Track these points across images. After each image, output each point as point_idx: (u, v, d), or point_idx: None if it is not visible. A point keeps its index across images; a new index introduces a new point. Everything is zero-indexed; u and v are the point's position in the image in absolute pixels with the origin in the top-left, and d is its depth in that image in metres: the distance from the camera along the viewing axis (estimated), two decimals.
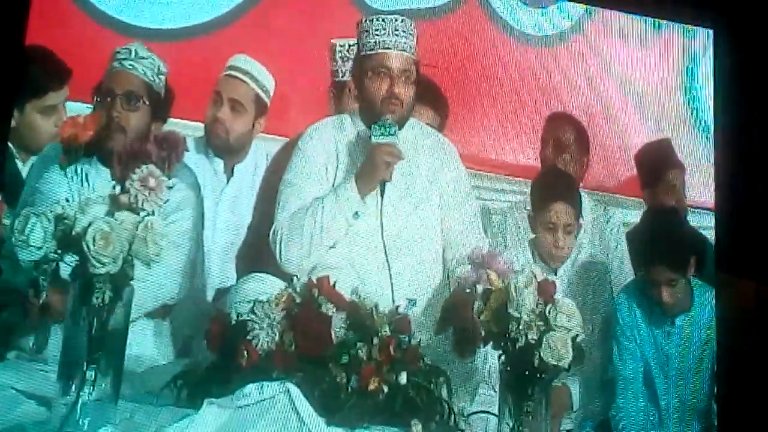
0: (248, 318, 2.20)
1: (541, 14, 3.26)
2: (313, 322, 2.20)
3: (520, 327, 2.15)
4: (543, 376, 2.17)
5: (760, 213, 3.16)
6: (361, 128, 2.73)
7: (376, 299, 2.31)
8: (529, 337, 2.15)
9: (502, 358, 2.21)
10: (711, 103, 3.23)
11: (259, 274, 2.58)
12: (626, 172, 3.22)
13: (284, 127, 2.96)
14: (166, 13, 3.00)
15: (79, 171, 2.53)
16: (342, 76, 2.99)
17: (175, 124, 2.67)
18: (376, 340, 2.20)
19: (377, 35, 2.67)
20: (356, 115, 2.77)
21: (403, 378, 2.19)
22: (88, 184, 2.49)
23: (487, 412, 2.41)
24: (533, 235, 2.89)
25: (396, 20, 2.68)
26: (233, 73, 2.87)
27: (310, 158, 2.71)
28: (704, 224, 3.12)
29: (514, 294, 2.16)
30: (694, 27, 3.28)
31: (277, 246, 2.61)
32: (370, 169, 2.60)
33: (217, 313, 2.37)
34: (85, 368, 2.00)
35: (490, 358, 2.48)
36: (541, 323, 2.16)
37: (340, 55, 2.99)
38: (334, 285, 2.28)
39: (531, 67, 3.22)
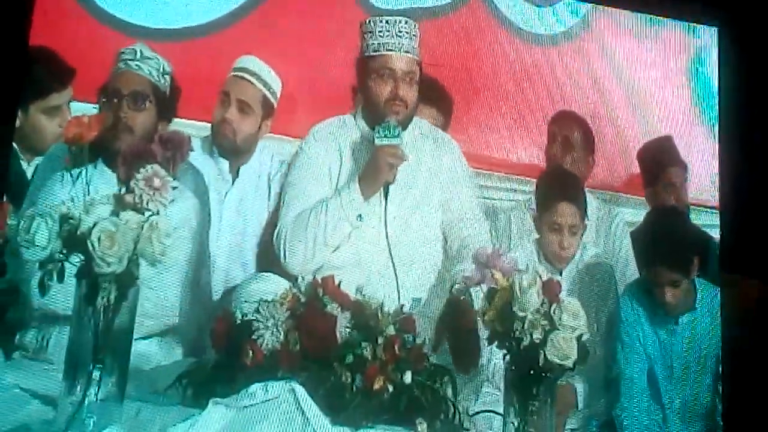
0: (253, 318, 2.21)
1: (546, 12, 3.25)
2: (318, 322, 2.20)
3: (525, 326, 2.15)
4: (548, 375, 2.17)
5: (766, 212, 3.15)
6: (365, 129, 2.73)
7: (381, 299, 2.31)
8: (534, 336, 2.14)
9: (507, 357, 2.21)
10: (716, 100, 3.23)
11: (265, 274, 2.59)
12: (630, 171, 3.21)
13: (289, 128, 2.95)
14: (169, 13, 3.00)
15: (83, 175, 2.53)
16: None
17: (179, 124, 2.67)
18: (380, 340, 2.20)
19: (381, 37, 2.67)
20: (359, 116, 2.77)
21: (407, 377, 2.20)
22: (95, 189, 2.48)
23: (492, 412, 2.41)
24: (538, 235, 2.88)
25: (400, 22, 2.68)
26: (242, 74, 2.87)
27: (313, 159, 2.72)
28: (709, 223, 3.11)
29: (518, 293, 2.16)
30: (699, 24, 3.27)
31: (281, 247, 2.62)
32: (373, 171, 2.60)
33: (222, 313, 2.37)
34: (90, 368, 2.00)
35: (494, 358, 2.49)
36: (545, 322, 2.16)
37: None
38: (338, 284, 2.28)
39: (535, 65, 3.21)
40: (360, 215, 2.62)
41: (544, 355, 2.14)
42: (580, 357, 2.16)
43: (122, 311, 2.04)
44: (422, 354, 2.27)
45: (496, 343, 2.24)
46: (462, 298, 2.42)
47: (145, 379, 2.31)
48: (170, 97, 2.64)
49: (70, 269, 2.02)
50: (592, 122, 3.15)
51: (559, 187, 2.90)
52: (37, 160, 2.68)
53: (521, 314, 2.15)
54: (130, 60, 2.59)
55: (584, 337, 2.19)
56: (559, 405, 2.32)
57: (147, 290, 2.27)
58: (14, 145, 2.66)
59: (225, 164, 2.88)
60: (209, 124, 2.90)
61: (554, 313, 2.15)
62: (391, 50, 2.67)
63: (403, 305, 2.39)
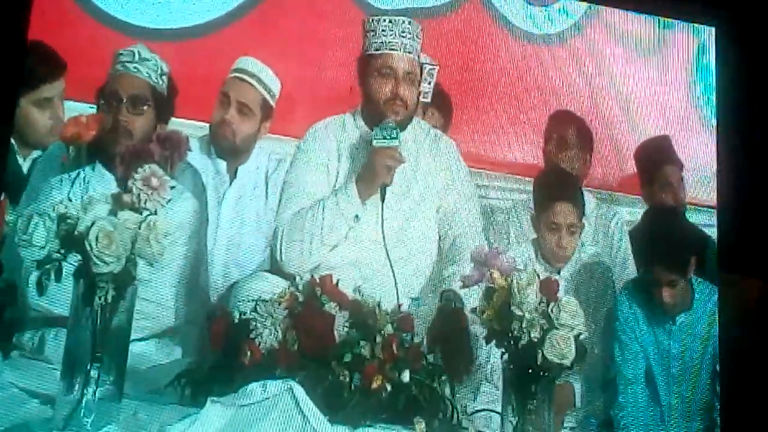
0: (251, 317, 2.21)
1: (544, 12, 3.25)
2: (316, 321, 2.21)
3: (523, 325, 2.16)
4: (546, 374, 2.17)
5: (763, 211, 3.15)
6: (363, 128, 2.73)
7: (379, 298, 2.31)
8: (532, 335, 2.15)
9: (505, 356, 2.22)
10: (714, 99, 3.23)
11: (262, 273, 2.59)
12: (628, 170, 3.21)
13: (287, 128, 2.95)
14: (168, 12, 3.00)
15: (81, 176, 2.53)
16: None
17: (178, 124, 2.67)
18: (378, 339, 2.21)
19: (384, 36, 2.67)
20: (358, 115, 2.77)
21: (405, 376, 2.20)
22: (93, 191, 2.48)
23: (491, 410, 2.41)
24: (536, 235, 2.88)
25: (403, 22, 2.69)
26: (242, 76, 2.86)
27: (312, 158, 2.72)
28: (707, 222, 3.11)
29: (517, 292, 2.16)
30: (697, 24, 3.27)
31: (278, 246, 2.62)
32: (371, 173, 2.60)
33: (220, 312, 2.37)
34: (88, 367, 2.00)
35: (492, 357, 2.49)
36: (544, 321, 2.16)
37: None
38: (336, 283, 2.28)
39: (534, 65, 3.21)
40: (357, 216, 2.62)
41: (543, 354, 2.14)
42: (578, 356, 2.17)
43: (120, 311, 2.04)
44: (420, 353, 2.27)
45: (494, 342, 2.24)
46: (453, 306, 2.42)
47: (143, 378, 2.30)
48: (168, 98, 2.64)
49: (68, 269, 2.02)
50: (589, 121, 3.15)
51: (556, 186, 2.90)
52: (34, 154, 2.66)
53: (519, 313, 2.15)
54: (128, 62, 2.58)
55: (582, 336, 2.19)
56: (557, 404, 2.33)
57: (145, 290, 2.27)
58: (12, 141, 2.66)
59: (223, 164, 2.88)
60: (207, 125, 2.90)
61: (552, 312, 2.16)
62: (393, 49, 2.67)
63: (401, 304, 2.39)
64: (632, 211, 3.13)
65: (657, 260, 2.71)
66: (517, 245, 2.92)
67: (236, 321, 2.26)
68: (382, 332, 2.22)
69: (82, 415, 1.99)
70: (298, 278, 2.38)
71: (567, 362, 2.15)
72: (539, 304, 2.18)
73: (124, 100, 2.55)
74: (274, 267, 2.66)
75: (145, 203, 2.06)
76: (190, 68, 2.87)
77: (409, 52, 2.68)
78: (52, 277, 2.00)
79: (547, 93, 3.20)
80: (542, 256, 2.85)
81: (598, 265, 2.91)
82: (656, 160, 3.14)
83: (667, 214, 2.97)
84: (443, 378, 2.27)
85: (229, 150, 2.86)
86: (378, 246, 2.63)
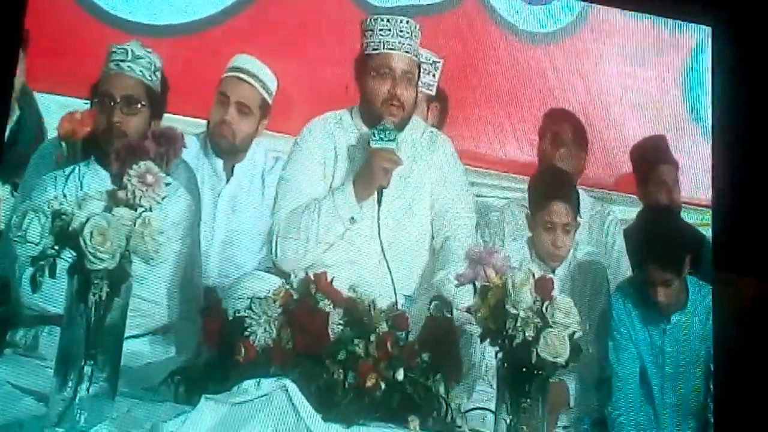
0: (246, 314, 2.21)
1: (540, 10, 3.25)
2: (311, 319, 2.21)
3: (518, 324, 2.15)
4: (540, 372, 2.17)
5: (758, 210, 3.16)
6: (361, 127, 2.72)
7: (373, 296, 2.31)
8: (527, 333, 2.15)
9: (500, 354, 2.21)
10: (709, 99, 3.23)
11: (257, 272, 2.59)
12: (623, 169, 3.21)
13: (284, 125, 2.95)
14: (165, 9, 2.99)
15: (76, 172, 2.53)
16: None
17: (174, 120, 2.66)
18: (373, 337, 2.21)
19: (381, 35, 2.66)
20: (356, 112, 2.77)
21: (400, 374, 2.20)
22: (87, 187, 2.47)
23: (485, 409, 2.41)
24: (531, 234, 2.89)
25: (401, 22, 2.68)
26: (240, 75, 2.85)
27: (308, 155, 2.72)
28: (701, 221, 3.11)
29: (511, 291, 2.16)
30: (693, 24, 3.28)
31: (273, 244, 2.61)
32: (368, 175, 2.60)
33: (214, 310, 2.37)
34: (82, 364, 2.00)
35: (487, 355, 2.49)
36: (538, 320, 2.16)
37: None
38: (331, 281, 2.28)
39: (530, 63, 3.21)
40: (353, 217, 2.62)
41: (537, 352, 2.14)
42: (573, 355, 2.17)
43: (114, 307, 2.04)
44: (415, 351, 2.27)
45: (488, 340, 2.24)
46: (441, 315, 2.42)
47: (137, 375, 2.30)
48: (161, 94, 2.63)
49: (62, 265, 2.02)
50: (585, 120, 3.15)
51: (552, 185, 2.90)
52: None
53: (514, 312, 2.15)
54: (121, 61, 2.57)
55: (576, 335, 2.19)
56: (551, 402, 2.32)
57: (139, 287, 2.27)
58: None
59: (219, 162, 2.87)
60: (203, 121, 2.89)
61: (547, 310, 2.16)
62: (391, 49, 2.67)
63: (395, 302, 2.39)
64: (627, 210, 3.14)
65: (652, 259, 2.71)
66: (512, 244, 2.92)
67: (231, 318, 2.26)
68: (377, 330, 2.22)
69: (75, 412, 1.99)
70: (292, 276, 2.38)
71: (561, 361, 2.15)
72: (534, 302, 2.17)
73: (118, 101, 2.54)
74: (270, 265, 2.65)
75: (140, 200, 2.06)
76: (187, 64, 2.87)
77: (407, 52, 2.68)
78: (46, 273, 2.00)
79: (543, 91, 3.20)
80: (537, 255, 2.85)
81: (592, 264, 2.91)
82: (652, 160, 3.14)
83: (662, 214, 2.97)
84: (437, 376, 2.27)
85: (228, 150, 2.85)
86: (374, 246, 2.63)
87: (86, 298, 2.00)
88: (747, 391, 2.90)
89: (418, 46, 2.73)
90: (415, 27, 2.71)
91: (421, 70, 2.79)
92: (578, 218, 2.87)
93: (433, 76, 2.96)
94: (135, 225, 2.03)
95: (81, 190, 2.42)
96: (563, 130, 3.11)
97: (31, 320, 2.38)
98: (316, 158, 2.72)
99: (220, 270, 2.78)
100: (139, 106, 2.56)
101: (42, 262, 1.99)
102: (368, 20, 2.72)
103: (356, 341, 2.19)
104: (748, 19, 3.19)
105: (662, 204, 3.07)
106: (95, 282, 2.00)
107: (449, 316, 2.43)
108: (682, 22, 3.28)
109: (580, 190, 2.97)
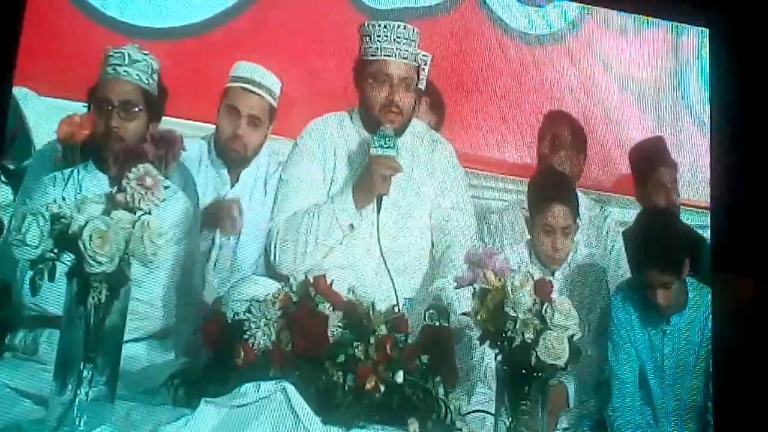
0: (245, 317, 2.21)
1: (538, 12, 3.26)
2: (310, 321, 2.20)
3: (517, 326, 2.16)
4: (540, 374, 2.18)
5: (757, 211, 3.16)
6: (362, 132, 2.73)
7: (372, 299, 2.30)
8: (526, 336, 2.15)
9: (499, 356, 2.22)
10: (707, 100, 3.24)
11: (256, 277, 2.59)
12: (622, 171, 3.22)
13: (287, 128, 2.94)
14: (163, 11, 2.99)
15: (75, 175, 2.52)
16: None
17: (173, 123, 2.67)
18: (372, 339, 2.20)
19: (379, 41, 2.66)
20: (356, 114, 2.76)
21: (399, 377, 2.20)
22: (86, 190, 2.47)
23: (484, 411, 2.41)
24: (530, 236, 2.88)
25: (398, 27, 2.67)
26: (247, 86, 2.83)
27: (308, 158, 2.72)
28: (700, 223, 3.12)
29: (511, 293, 2.17)
30: (690, 25, 3.28)
31: (272, 247, 2.61)
32: (367, 183, 2.59)
33: (213, 313, 2.37)
34: (81, 367, 1.99)
35: (486, 357, 2.49)
36: (537, 322, 2.16)
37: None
38: (330, 284, 2.28)
39: (527, 65, 3.22)
40: (352, 225, 2.62)
41: (536, 354, 2.14)
42: (572, 357, 2.17)
43: (113, 311, 2.04)
44: (414, 354, 2.26)
45: (488, 342, 2.24)
46: (437, 324, 2.42)
47: (137, 378, 2.30)
48: (159, 97, 2.62)
49: (62, 268, 2.02)
50: (583, 121, 3.16)
51: (551, 188, 2.89)
52: None
53: (513, 314, 2.16)
54: (118, 65, 2.55)
55: (576, 337, 2.19)
56: (551, 404, 2.33)
57: (138, 290, 2.27)
58: None
59: (224, 168, 2.87)
60: (204, 124, 2.89)
61: (546, 312, 2.16)
62: (388, 56, 2.66)
63: (395, 305, 2.39)
64: (626, 212, 3.14)
65: (651, 262, 2.71)
66: (511, 246, 2.92)
67: (230, 321, 2.26)
68: (376, 333, 2.22)
69: (74, 415, 1.99)
70: (291, 278, 2.38)
71: (560, 363, 2.16)
72: (533, 304, 2.18)
73: (116, 105, 2.53)
74: (269, 269, 2.65)
75: (139, 203, 2.06)
76: (186, 67, 2.86)
77: (405, 58, 2.67)
78: (46, 276, 1.99)
79: (541, 93, 3.20)
80: (537, 257, 2.85)
81: (591, 266, 2.91)
82: (650, 161, 3.14)
83: (661, 216, 2.97)
84: (437, 379, 2.26)
85: (240, 161, 2.85)
86: (374, 252, 2.63)
87: (85, 302, 2.00)
88: (746, 392, 2.90)
89: (416, 49, 2.72)
90: (413, 31, 2.70)
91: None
92: (577, 221, 2.87)
93: (422, 70, 2.95)
94: (134, 228, 2.03)
95: (80, 193, 2.42)
96: (562, 133, 3.12)
97: (31, 323, 2.38)
98: (316, 161, 2.72)
99: (221, 273, 2.77)
100: (136, 110, 2.54)
101: (41, 266, 1.99)
102: (366, 25, 2.71)
103: (355, 344, 2.19)
104: (746, 20, 3.20)
105: (661, 206, 3.07)
106: (94, 285, 2.00)
107: (446, 325, 2.43)
108: (679, 24, 3.28)
109: (578, 192, 2.97)
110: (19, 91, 2.74)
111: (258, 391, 2.11)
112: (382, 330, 2.23)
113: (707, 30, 3.26)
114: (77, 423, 1.99)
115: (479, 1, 3.22)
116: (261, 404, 2.11)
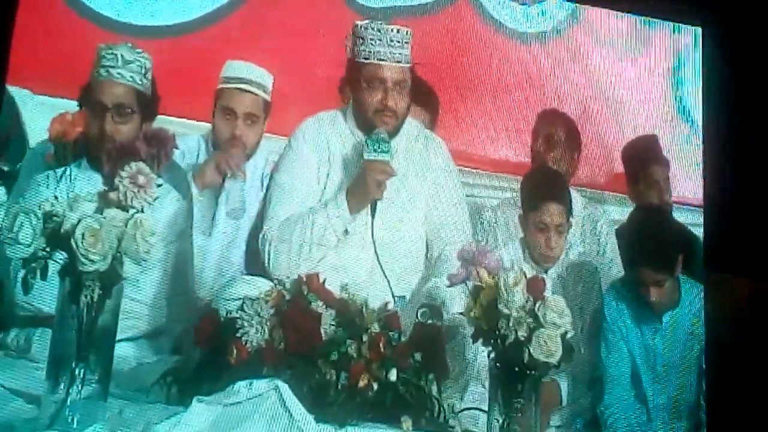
0: (238, 315, 2.20)
1: (531, 11, 3.26)
2: (303, 319, 2.20)
3: (510, 324, 2.16)
4: (532, 372, 2.18)
5: (749, 209, 3.17)
6: (354, 129, 2.71)
7: (365, 297, 2.30)
8: (519, 333, 2.15)
9: (492, 354, 2.22)
10: (700, 99, 3.24)
11: (246, 277, 2.58)
12: (615, 169, 3.22)
13: (281, 126, 2.94)
14: (156, 9, 2.99)
15: (67, 174, 2.51)
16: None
17: (166, 122, 2.65)
18: (365, 337, 2.20)
19: (372, 45, 2.62)
20: (350, 113, 2.75)
21: (392, 375, 2.20)
22: (79, 189, 2.46)
23: (477, 409, 2.41)
24: (523, 234, 2.89)
25: (392, 31, 2.63)
26: (241, 86, 2.82)
27: (301, 158, 2.70)
28: (693, 221, 3.12)
29: (504, 291, 2.17)
30: (683, 24, 3.29)
31: (266, 252, 2.60)
32: (362, 188, 2.58)
33: (206, 311, 2.36)
34: (74, 366, 1.99)
35: (479, 355, 2.49)
36: (530, 320, 2.16)
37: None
38: (323, 282, 2.28)
39: (521, 64, 3.22)
40: (346, 230, 2.61)
41: (529, 352, 2.14)
42: (565, 354, 2.17)
43: (106, 309, 2.03)
44: (407, 351, 2.26)
45: (481, 340, 2.24)
46: (428, 322, 2.42)
47: (129, 377, 2.30)
48: (152, 96, 2.61)
49: (54, 267, 2.01)
50: (576, 120, 3.16)
51: (545, 186, 2.90)
52: None
53: (506, 312, 2.16)
54: (111, 68, 2.51)
55: (569, 335, 2.19)
56: (544, 402, 2.33)
57: (131, 289, 2.27)
58: None
59: None
60: (198, 123, 2.88)
61: (539, 310, 2.16)
62: (382, 60, 2.63)
63: (387, 303, 2.39)
64: (619, 210, 3.14)
65: (644, 260, 2.72)
66: (505, 244, 2.92)
67: (223, 320, 2.26)
68: (369, 331, 2.22)
69: (67, 414, 1.98)
70: (285, 277, 2.37)
71: (554, 361, 2.16)
72: (526, 302, 2.18)
73: (109, 107, 2.51)
74: (260, 269, 2.65)
75: (131, 201, 2.05)
76: (179, 65, 2.86)
77: (398, 61, 2.65)
78: (38, 275, 1.99)
79: (535, 91, 3.21)
80: (530, 255, 2.85)
81: (585, 264, 2.92)
82: (643, 159, 3.15)
83: (654, 214, 2.97)
84: (430, 377, 2.27)
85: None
86: (368, 255, 2.62)
87: (78, 300, 1.99)
88: (739, 391, 2.90)
89: (410, 51, 2.69)
90: (407, 33, 2.65)
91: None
92: (571, 219, 2.87)
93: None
94: (126, 226, 2.02)
95: (72, 191, 2.41)
96: (556, 132, 3.12)
97: (24, 321, 2.37)
98: (309, 162, 2.70)
99: (217, 272, 2.77)
100: (129, 112, 2.53)
101: (33, 264, 1.98)
102: (359, 27, 2.67)
103: (348, 342, 2.19)
104: (738, 19, 3.20)
105: (654, 204, 3.08)
106: (87, 284, 1.99)
107: (438, 324, 2.42)
108: (672, 23, 3.29)
109: (572, 191, 2.98)
110: (13, 91, 2.74)
111: (251, 389, 2.11)
112: (375, 328, 2.23)
113: (700, 29, 3.27)
114: (70, 422, 1.98)
115: None
116: (254, 402, 2.11)
